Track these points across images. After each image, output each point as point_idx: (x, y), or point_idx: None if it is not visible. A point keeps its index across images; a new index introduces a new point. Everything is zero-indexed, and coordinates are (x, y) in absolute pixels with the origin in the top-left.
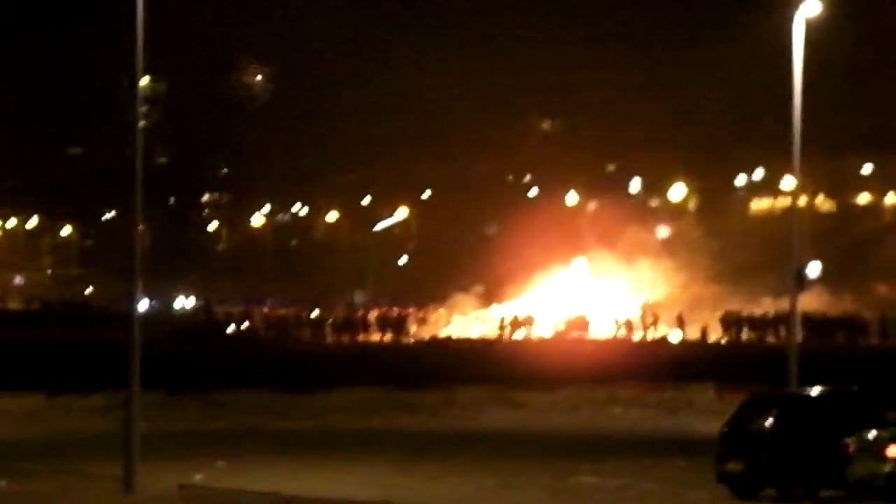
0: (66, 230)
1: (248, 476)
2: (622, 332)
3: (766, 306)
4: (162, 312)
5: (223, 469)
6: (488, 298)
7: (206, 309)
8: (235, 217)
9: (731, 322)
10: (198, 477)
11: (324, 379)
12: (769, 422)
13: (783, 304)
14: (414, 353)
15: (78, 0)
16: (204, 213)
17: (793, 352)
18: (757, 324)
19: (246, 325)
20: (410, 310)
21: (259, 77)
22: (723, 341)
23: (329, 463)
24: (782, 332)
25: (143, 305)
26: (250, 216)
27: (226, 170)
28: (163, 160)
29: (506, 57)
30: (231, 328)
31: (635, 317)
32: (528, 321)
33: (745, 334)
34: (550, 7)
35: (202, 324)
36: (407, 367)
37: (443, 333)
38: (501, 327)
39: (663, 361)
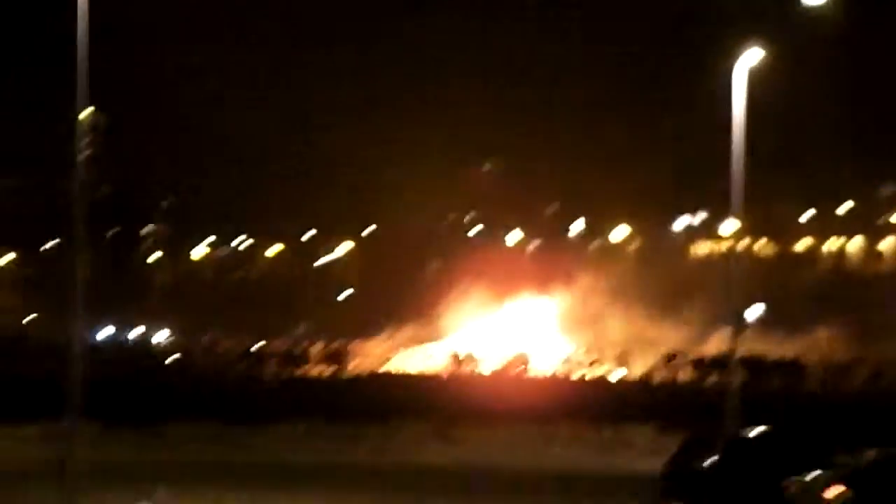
0: (5, 259)
1: None
2: (563, 370)
3: (709, 347)
4: (111, 343)
5: (163, 500)
6: (430, 334)
7: (147, 340)
8: (177, 249)
9: (671, 362)
10: None
11: (264, 412)
12: (710, 462)
13: (721, 346)
14: (354, 386)
15: (19, 29)
16: (145, 245)
17: (733, 393)
18: (698, 364)
19: (175, 354)
20: (352, 343)
21: None
22: (663, 381)
23: (268, 495)
24: (722, 373)
25: (100, 335)
26: (192, 248)
27: (168, 202)
28: (105, 191)
29: (449, 95)
30: (170, 360)
31: (576, 355)
32: (471, 357)
33: (686, 374)
34: (492, 47)
35: (144, 355)
36: (347, 401)
37: (384, 368)
38: (454, 362)
39: (603, 400)
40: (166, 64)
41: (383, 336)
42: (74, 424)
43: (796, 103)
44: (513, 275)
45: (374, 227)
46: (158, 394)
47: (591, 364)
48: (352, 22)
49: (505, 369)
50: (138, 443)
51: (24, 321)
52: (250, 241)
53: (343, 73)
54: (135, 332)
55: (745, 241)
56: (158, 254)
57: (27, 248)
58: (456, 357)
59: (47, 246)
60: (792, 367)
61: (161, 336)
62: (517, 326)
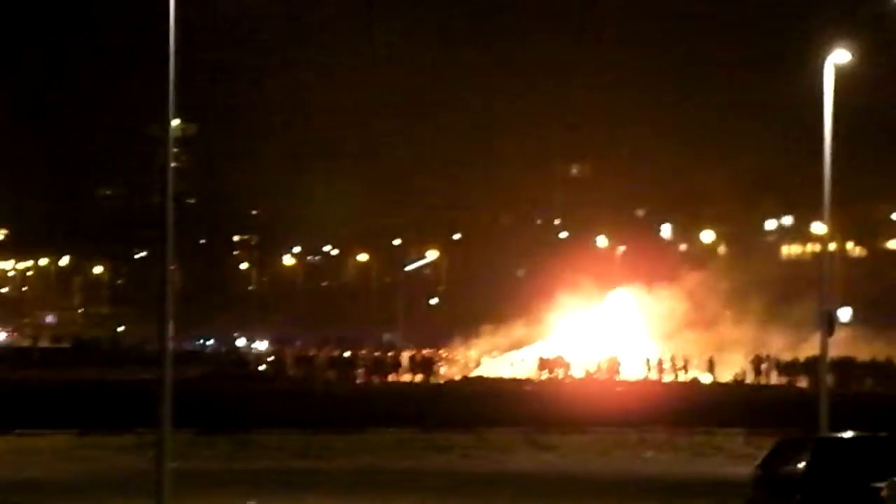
0: (98, 269)
1: None
2: (653, 375)
3: (797, 350)
4: (203, 351)
5: None
6: (518, 340)
7: (236, 349)
8: (266, 258)
9: (760, 366)
10: None
11: (354, 420)
12: (802, 465)
13: (813, 349)
14: (444, 393)
15: (109, 43)
16: (234, 254)
17: (823, 396)
18: (787, 368)
19: (268, 361)
20: (441, 350)
21: None
22: (753, 385)
23: (358, 503)
24: (812, 376)
25: (193, 344)
26: (280, 257)
27: (256, 211)
28: (192, 201)
29: (537, 102)
30: (261, 367)
31: (666, 359)
32: (561, 363)
33: (775, 378)
34: (580, 53)
35: (233, 363)
36: (437, 409)
37: (473, 374)
38: (541, 368)
39: (694, 405)
40: (253, 77)
41: (472, 342)
42: (165, 433)
43: (887, 102)
44: (601, 279)
45: (459, 234)
46: (250, 401)
47: (680, 368)
48: (430, 28)
49: (596, 373)
50: (229, 450)
51: (118, 330)
52: (335, 250)
53: (429, 80)
54: (226, 340)
55: (835, 244)
56: (246, 264)
57: (118, 258)
58: (545, 362)
59: (138, 256)
60: (883, 369)
61: (252, 343)
62: (606, 330)
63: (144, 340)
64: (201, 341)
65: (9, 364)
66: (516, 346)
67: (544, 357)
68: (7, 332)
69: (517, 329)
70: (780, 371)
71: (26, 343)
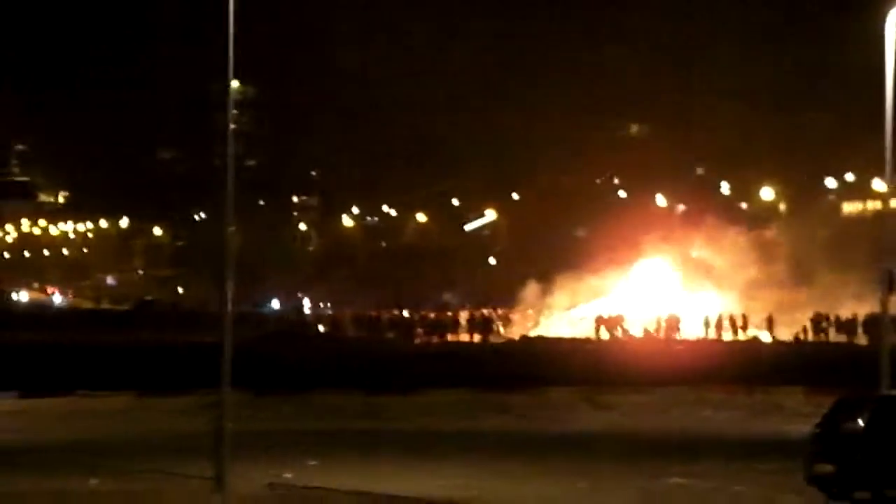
0: (158, 231)
1: (338, 476)
2: (712, 334)
3: (857, 308)
4: (263, 313)
5: (313, 468)
6: (577, 299)
7: (296, 310)
8: (324, 219)
9: (820, 324)
10: (288, 476)
11: (413, 380)
12: (862, 423)
13: (874, 307)
14: (503, 353)
15: (169, 5)
16: (293, 216)
17: (884, 354)
18: (847, 326)
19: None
20: (499, 310)
21: None
22: (813, 343)
23: (418, 463)
24: (873, 334)
25: (252, 305)
26: (339, 219)
27: (315, 173)
28: (252, 163)
29: (594, 61)
30: (321, 329)
31: (725, 318)
32: (620, 321)
33: (835, 337)
34: (639, 12)
35: (293, 325)
36: (496, 368)
37: (532, 334)
38: (603, 326)
39: (753, 363)
40: (311, 39)
41: (531, 301)
42: (225, 394)
43: None
44: (661, 237)
45: (517, 195)
46: (309, 362)
47: (740, 327)
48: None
49: (655, 332)
50: (288, 411)
51: (179, 292)
52: (393, 211)
53: (484, 41)
54: (287, 302)
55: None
56: (305, 226)
57: (178, 220)
58: (604, 320)
59: (198, 218)
60: None
61: (312, 305)
62: (665, 289)
63: (204, 302)
64: (265, 303)
65: (70, 326)
66: (576, 304)
67: (603, 316)
68: (68, 294)
69: (577, 287)
70: (840, 329)
71: (88, 305)
